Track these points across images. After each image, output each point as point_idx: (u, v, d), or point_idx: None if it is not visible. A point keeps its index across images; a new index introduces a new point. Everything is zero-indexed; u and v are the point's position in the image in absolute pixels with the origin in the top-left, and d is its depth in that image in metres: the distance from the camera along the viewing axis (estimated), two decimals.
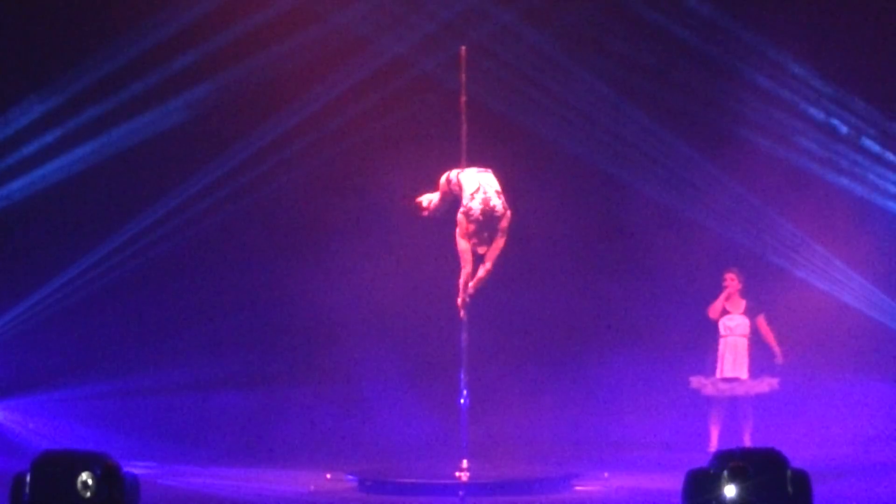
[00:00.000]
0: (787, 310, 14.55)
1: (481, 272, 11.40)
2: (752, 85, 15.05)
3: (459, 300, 11.46)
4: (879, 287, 15.14)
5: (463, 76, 11.68)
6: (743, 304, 13.95)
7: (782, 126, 15.12)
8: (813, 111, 15.13)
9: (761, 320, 13.90)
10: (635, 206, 15.43)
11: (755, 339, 13.87)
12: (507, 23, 14.76)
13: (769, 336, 13.89)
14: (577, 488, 11.73)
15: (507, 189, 11.58)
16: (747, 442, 13.60)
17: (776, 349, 13.86)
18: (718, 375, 13.83)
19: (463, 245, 11.31)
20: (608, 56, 14.89)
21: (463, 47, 11.79)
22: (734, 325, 13.88)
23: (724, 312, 13.93)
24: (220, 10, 14.34)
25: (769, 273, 15.00)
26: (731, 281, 13.95)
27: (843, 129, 15.04)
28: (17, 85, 14.60)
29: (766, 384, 13.77)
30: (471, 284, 11.42)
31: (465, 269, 11.37)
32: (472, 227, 11.26)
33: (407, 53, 14.77)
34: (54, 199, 14.88)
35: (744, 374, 13.78)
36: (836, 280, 15.15)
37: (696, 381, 13.95)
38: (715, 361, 13.88)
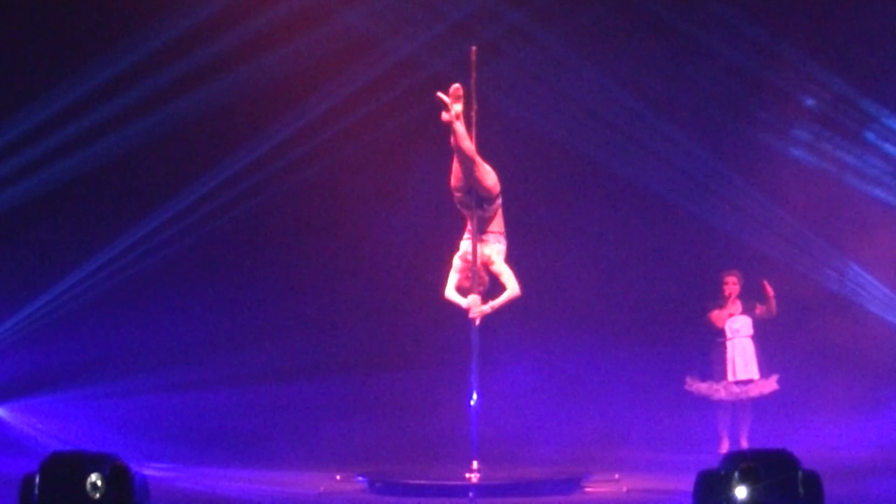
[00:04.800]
0: (791, 306, 14.57)
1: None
2: (768, 85, 15.01)
3: (489, 309, 11.54)
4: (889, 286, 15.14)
5: (473, 76, 11.64)
6: (740, 304, 13.93)
7: (801, 128, 15.12)
8: (832, 114, 15.11)
9: (759, 309, 13.88)
10: (646, 205, 15.41)
11: (758, 337, 13.85)
12: (519, 22, 14.73)
13: (769, 304, 13.83)
14: (588, 489, 11.70)
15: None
16: (744, 443, 13.62)
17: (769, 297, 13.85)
18: (731, 378, 13.80)
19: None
20: (620, 56, 14.86)
21: (473, 47, 11.73)
22: (739, 327, 13.87)
23: (728, 316, 13.92)
24: (228, 11, 14.38)
25: (775, 271, 14.97)
26: (734, 285, 13.93)
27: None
28: (21, 86, 14.61)
29: (774, 381, 13.78)
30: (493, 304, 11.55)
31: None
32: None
33: (416, 54, 14.75)
34: (61, 199, 14.89)
35: (755, 374, 13.78)
36: (847, 280, 15.14)
37: (706, 387, 13.89)
38: (722, 365, 13.84)
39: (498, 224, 11.58)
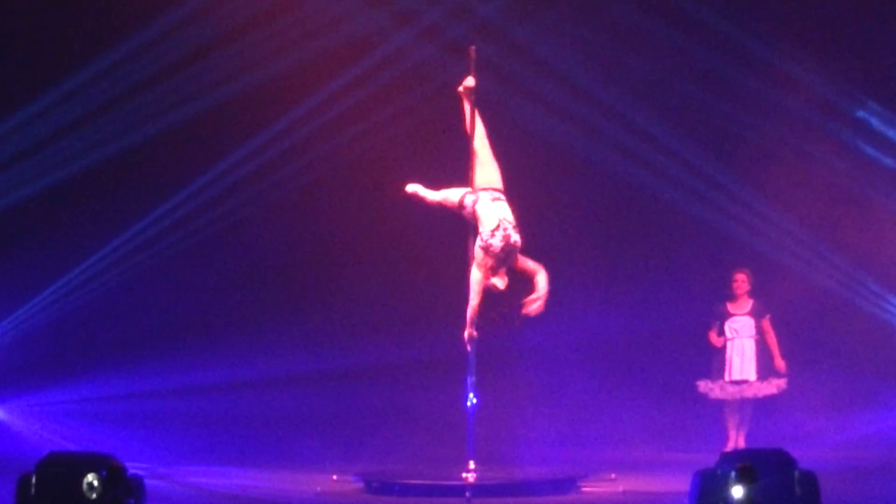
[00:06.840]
0: (793, 308, 14.56)
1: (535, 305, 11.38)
2: (775, 85, 15.02)
3: (466, 334, 11.38)
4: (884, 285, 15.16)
5: (473, 75, 11.64)
6: (750, 304, 13.92)
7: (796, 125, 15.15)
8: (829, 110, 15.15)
9: (766, 323, 13.87)
10: (646, 207, 15.42)
11: (761, 340, 13.85)
12: (518, 24, 14.75)
13: (772, 340, 13.84)
14: (584, 489, 11.71)
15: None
16: (741, 444, 13.63)
17: (777, 356, 13.80)
18: (727, 378, 13.80)
19: (476, 276, 11.24)
20: (619, 57, 14.86)
21: (473, 47, 11.74)
22: (740, 327, 13.86)
23: (730, 315, 13.91)
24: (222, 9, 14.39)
25: (777, 272, 14.97)
26: (742, 283, 13.92)
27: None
28: (17, 85, 14.61)
29: (774, 385, 13.75)
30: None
31: (474, 301, 11.25)
32: (490, 261, 11.20)
33: (415, 53, 14.76)
34: (57, 199, 14.87)
35: (752, 375, 13.77)
36: (841, 278, 15.17)
37: (703, 386, 13.91)
38: (722, 364, 13.85)
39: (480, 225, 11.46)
